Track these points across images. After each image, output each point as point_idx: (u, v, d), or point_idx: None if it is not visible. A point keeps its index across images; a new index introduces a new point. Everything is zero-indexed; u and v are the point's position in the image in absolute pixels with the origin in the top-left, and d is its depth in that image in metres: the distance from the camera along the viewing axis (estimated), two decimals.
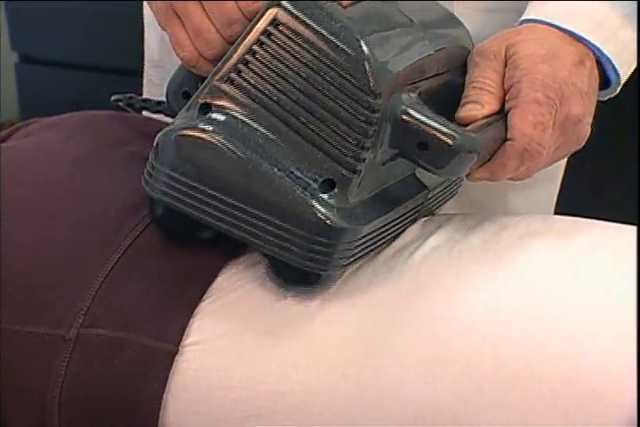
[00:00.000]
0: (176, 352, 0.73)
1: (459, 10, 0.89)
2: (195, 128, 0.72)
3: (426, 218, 0.83)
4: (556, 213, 0.88)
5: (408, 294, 0.74)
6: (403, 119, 0.71)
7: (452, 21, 0.83)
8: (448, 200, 0.87)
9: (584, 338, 0.70)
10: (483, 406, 0.69)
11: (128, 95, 0.86)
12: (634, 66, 0.84)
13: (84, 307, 0.74)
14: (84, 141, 0.87)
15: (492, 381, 0.69)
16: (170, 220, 0.76)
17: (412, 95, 0.73)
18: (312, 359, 0.72)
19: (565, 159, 1.06)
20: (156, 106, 0.85)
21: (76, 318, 0.74)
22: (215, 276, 0.76)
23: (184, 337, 0.73)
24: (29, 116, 1.04)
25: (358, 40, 0.69)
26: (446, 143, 0.71)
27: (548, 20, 0.80)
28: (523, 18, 0.82)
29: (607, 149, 1.76)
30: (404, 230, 0.80)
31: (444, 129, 0.71)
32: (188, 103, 0.74)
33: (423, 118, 0.71)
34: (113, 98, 0.87)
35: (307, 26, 0.70)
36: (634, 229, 0.79)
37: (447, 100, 0.77)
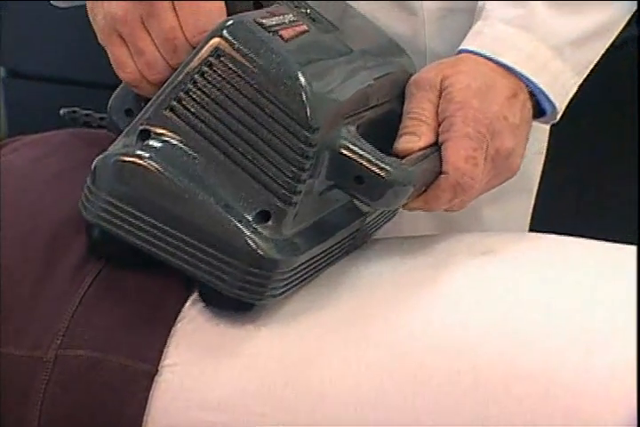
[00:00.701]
0: (155, 373, 0.73)
1: (428, 6, 0.92)
2: (133, 155, 0.72)
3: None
4: (538, 229, 0.90)
5: (371, 312, 0.75)
6: (340, 153, 0.73)
7: (395, 49, 0.84)
8: (385, 224, 0.89)
9: (559, 354, 0.70)
10: (462, 425, 0.70)
11: (72, 109, 0.86)
12: (569, 95, 0.86)
13: (61, 328, 0.74)
14: (64, 158, 0.87)
15: (471, 398, 0.70)
16: (106, 244, 0.76)
17: (351, 128, 0.74)
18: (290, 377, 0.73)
19: (539, 174, 1.09)
20: (99, 121, 0.85)
21: (54, 340, 0.74)
22: (189, 295, 0.77)
23: (162, 358, 0.73)
24: (16, 130, 1.05)
25: (297, 74, 0.70)
26: (381, 177, 0.72)
27: (482, 52, 0.83)
28: (460, 48, 0.85)
29: (592, 167, 1.79)
30: (341, 256, 0.81)
31: (380, 164, 0.73)
32: (128, 128, 0.74)
33: (360, 152, 0.73)
34: (60, 111, 0.88)
35: (247, 58, 0.70)
36: (607, 244, 0.81)
37: (387, 129, 0.79)
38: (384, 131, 0.79)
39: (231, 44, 0.70)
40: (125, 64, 0.77)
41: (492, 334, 0.72)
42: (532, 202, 1.10)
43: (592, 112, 1.65)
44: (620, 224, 1.52)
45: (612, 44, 0.92)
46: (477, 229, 1.02)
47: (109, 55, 0.78)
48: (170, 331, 0.74)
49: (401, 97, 0.81)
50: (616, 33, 0.90)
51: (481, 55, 0.83)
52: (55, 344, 0.74)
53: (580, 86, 0.89)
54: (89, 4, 0.78)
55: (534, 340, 0.71)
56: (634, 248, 0.79)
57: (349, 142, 0.73)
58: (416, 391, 0.71)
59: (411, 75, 0.82)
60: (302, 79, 0.70)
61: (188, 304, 0.76)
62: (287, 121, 0.70)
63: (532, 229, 1.10)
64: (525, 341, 0.71)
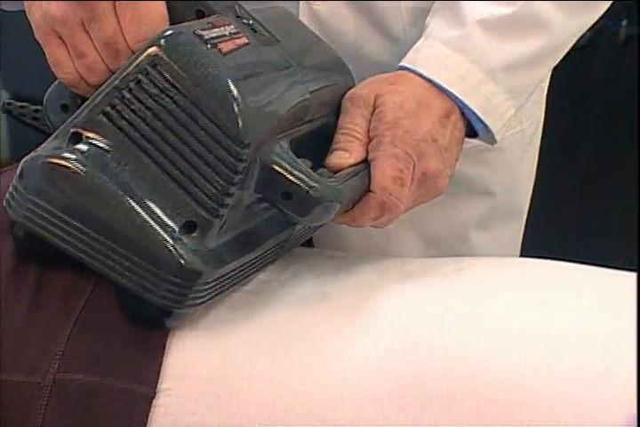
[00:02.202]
0: (154, 395, 0.73)
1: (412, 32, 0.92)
2: (61, 157, 0.72)
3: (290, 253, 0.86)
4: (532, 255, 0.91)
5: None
6: (270, 168, 0.73)
7: (338, 65, 0.84)
8: (312, 234, 0.90)
9: (560, 381, 0.71)
10: None
11: (8, 101, 0.85)
12: (505, 117, 0.87)
13: (58, 351, 0.74)
14: None
15: (473, 424, 0.70)
16: (30, 243, 0.75)
17: (284, 144, 0.74)
18: (289, 400, 0.73)
19: (528, 199, 1.10)
20: (34, 113, 0.84)
21: (51, 364, 0.73)
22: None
23: (160, 381, 0.73)
24: (20, 153, 1.06)
25: (230, 89, 0.70)
26: (309, 194, 0.73)
27: (417, 70, 0.84)
28: (400, 64, 0.86)
29: (592, 194, 1.79)
30: (266, 266, 0.81)
31: (309, 181, 0.73)
32: (59, 130, 0.73)
33: (290, 169, 0.73)
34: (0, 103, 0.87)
35: (183, 69, 0.70)
36: (598, 269, 0.82)
37: (322, 142, 0.80)
38: (319, 144, 0.80)
39: (168, 55, 0.70)
40: (64, 65, 0.76)
41: (493, 361, 0.72)
42: (522, 227, 1.11)
43: (593, 121, 1.64)
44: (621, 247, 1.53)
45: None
46: (466, 254, 1.02)
47: (46, 54, 0.77)
48: (164, 352, 0.74)
49: (337, 111, 0.82)
50: (557, 59, 0.91)
51: (415, 73, 0.84)
52: (52, 369, 0.73)
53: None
54: (26, 2, 0.77)
55: (536, 368, 0.71)
56: (616, 272, 0.80)
57: (280, 158, 0.73)
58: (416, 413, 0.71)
59: (349, 89, 0.83)
60: (236, 94, 0.70)
61: (183, 322, 0.76)
62: (219, 135, 0.70)
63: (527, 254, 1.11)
64: (528, 368, 0.72)
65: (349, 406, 0.72)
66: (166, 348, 0.74)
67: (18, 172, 0.73)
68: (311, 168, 0.79)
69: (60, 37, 0.76)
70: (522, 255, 1.11)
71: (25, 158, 0.73)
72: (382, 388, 0.72)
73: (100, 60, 0.75)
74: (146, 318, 0.75)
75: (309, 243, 0.96)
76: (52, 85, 0.80)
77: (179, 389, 0.73)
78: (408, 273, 0.81)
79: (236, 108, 0.70)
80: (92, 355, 0.74)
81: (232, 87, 0.70)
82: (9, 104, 0.86)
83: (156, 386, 0.73)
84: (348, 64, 0.86)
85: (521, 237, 1.12)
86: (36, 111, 0.85)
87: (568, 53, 0.92)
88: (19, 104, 0.85)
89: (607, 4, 0.91)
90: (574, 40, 0.91)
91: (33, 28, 0.77)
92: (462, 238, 1.03)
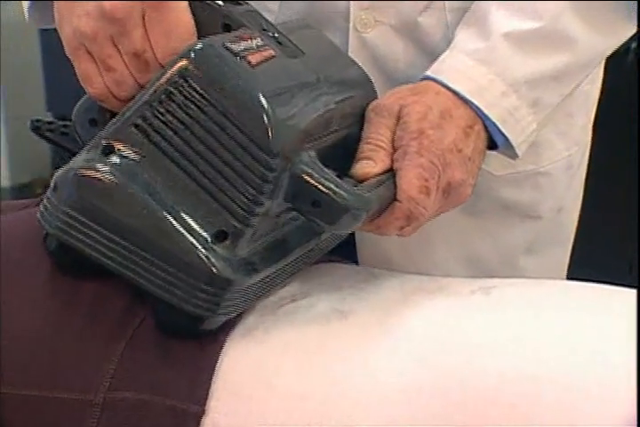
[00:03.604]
0: (202, 413, 0.73)
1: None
2: (94, 169, 0.73)
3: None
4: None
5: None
6: (299, 178, 0.74)
7: (361, 77, 0.85)
8: (339, 242, 0.90)
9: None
10: None
11: (36, 118, 0.86)
12: (527, 131, 0.87)
13: (109, 370, 0.74)
14: None
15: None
16: (63, 255, 0.76)
17: (311, 153, 0.75)
18: (338, 415, 0.73)
19: (575, 224, 1.09)
20: (62, 128, 0.85)
21: (103, 382, 0.74)
22: (226, 335, 0.77)
23: (209, 398, 0.74)
24: None
25: (260, 100, 0.71)
26: (338, 202, 0.74)
27: (439, 79, 0.84)
28: (424, 74, 0.86)
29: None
30: (293, 273, 0.82)
31: (337, 189, 0.74)
32: (91, 143, 0.75)
33: (318, 178, 0.74)
34: (29, 121, 0.88)
35: (213, 82, 0.71)
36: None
37: (347, 152, 0.81)
38: (343, 154, 0.81)
39: (198, 67, 0.71)
40: (93, 79, 0.77)
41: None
42: (569, 251, 1.11)
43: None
44: None
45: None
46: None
47: (76, 68, 0.78)
48: (213, 370, 0.74)
49: (361, 121, 0.83)
50: (583, 78, 0.91)
51: (439, 83, 0.84)
52: (104, 387, 0.74)
53: None
54: (56, 15, 0.79)
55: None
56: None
57: (309, 167, 0.74)
58: None
59: (372, 100, 0.84)
60: (265, 105, 0.71)
61: (227, 343, 0.76)
62: (249, 145, 0.71)
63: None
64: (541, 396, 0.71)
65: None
66: (216, 366, 0.75)
67: (51, 184, 0.75)
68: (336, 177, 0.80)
69: (89, 52, 0.77)
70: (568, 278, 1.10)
71: (58, 171, 0.74)
72: (412, 404, 0.72)
73: (129, 74, 0.77)
74: (178, 326, 0.75)
75: (354, 261, 0.96)
76: (81, 100, 0.81)
77: (227, 406, 0.74)
78: (434, 290, 0.81)
79: (265, 119, 0.71)
80: (142, 373, 0.74)
81: (262, 98, 0.71)
82: (37, 121, 0.86)
83: (205, 404, 0.73)
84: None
85: (567, 260, 1.12)
86: (65, 126, 0.85)
87: None
88: (47, 120, 0.85)
89: (635, 27, 0.90)
90: (601, 60, 0.92)
91: (63, 43, 0.78)
92: (509, 263, 1.03)
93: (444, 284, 0.83)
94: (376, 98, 0.85)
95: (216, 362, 0.75)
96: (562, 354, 0.72)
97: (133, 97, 0.75)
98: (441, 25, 0.92)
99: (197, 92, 0.71)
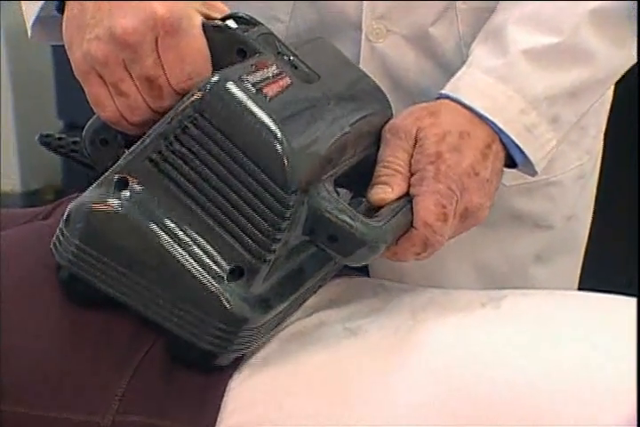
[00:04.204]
0: None
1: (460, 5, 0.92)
2: (107, 203, 0.72)
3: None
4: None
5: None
6: (316, 212, 0.73)
7: (374, 91, 0.84)
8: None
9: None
10: None
11: (46, 133, 0.84)
12: (546, 149, 0.86)
13: (118, 393, 0.74)
14: None
15: None
16: (75, 285, 0.75)
17: (328, 186, 0.74)
18: None
19: (587, 233, 1.09)
20: (72, 145, 0.83)
21: (111, 404, 0.74)
22: (239, 361, 0.76)
23: (218, 421, 0.73)
24: (72, 181, 1.05)
25: (278, 137, 0.70)
26: (355, 237, 0.73)
27: (457, 97, 0.83)
28: (441, 91, 0.85)
29: None
30: (306, 300, 0.81)
31: (354, 223, 0.74)
32: (104, 176, 0.73)
33: (335, 213, 0.73)
34: (36, 137, 0.86)
35: (230, 117, 0.70)
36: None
37: (363, 172, 0.80)
38: (359, 174, 0.80)
39: (214, 101, 0.70)
40: (105, 104, 0.75)
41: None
42: (580, 260, 1.10)
43: None
44: None
45: None
46: (524, 288, 1.02)
47: (87, 93, 0.76)
48: (223, 395, 0.74)
49: (377, 141, 0.82)
50: (601, 94, 0.90)
51: (456, 101, 0.83)
52: (112, 409, 0.74)
53: None
54: (65, 38, 0.77)
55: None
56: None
57: (326, 201, 0.74)
58: None
59: (389, 119, 0.83)
60: (284, 142, 0.70)
61: (240, 367, 0.76)
62: (266, 181, 0.70)
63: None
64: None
65: None
66: (225, 394, 0.74)
67: (64, 216, 0.74)
68: (352, 198, 0.80)
69: (101, 76, 0.75)
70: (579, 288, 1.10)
71: (72, 204, 0.73)
72: (424, 420, 0.72)
73: (142, 99, 0.75)
74: (191, 361, 0.75)
75: (365, 273, 0.96)
76: (91, 120, 0.79)
77: None
78: (444, 304, 0.81)
79: (283, 157, 0.70)
80: (151, 397, 0.74)
81: (279, 135, 0.70)
82: (46, 136, 0.84)
83: None
84: (409, 100, 0.86)
85: (579, 270, 1.11)
86: (75, 143, 0.83)
87: None
88: (57, 136, 0.84)
89: None
90: (618, 75, 0.90)
91: (72, 66, 0.76)
92: (521, 272, 1.02)
93: (454, 297, 0.82)
94: (391, 112, 0.84)
95: (226, 385, 0.75)
96: (573, 367, 0.72)
97: (146, 121, 0.74)
98: (453, 35, 0.91)
99: (214, 126, 0.70)
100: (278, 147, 0.70)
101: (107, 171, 0.74)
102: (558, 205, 1.02)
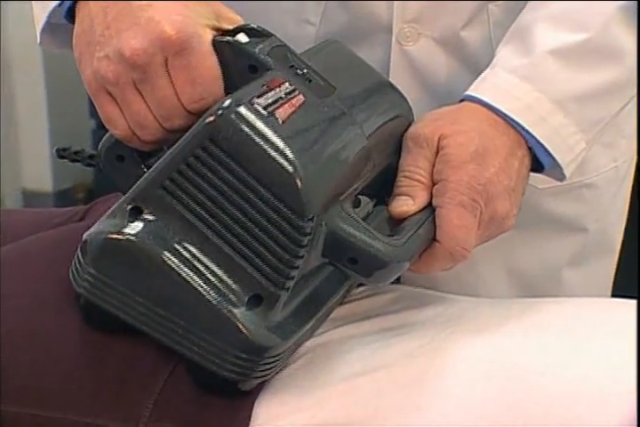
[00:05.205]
0: None
1: (492, 7, 0.91)
2: (121, 233, 0.70)
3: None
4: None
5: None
6: (334, 234, 0.72)
7: (391, 94, 0.82)
8: None
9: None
10: None
11: (63, 147, 0.83)
12: (575, 151, 0.84)
13: (151, 400, 0.74)
14: None
15: None
16: (92, 313, 0.75)
17: (346, 207, 0.73)
18: None
19: (621, 235, 1.08)
20: (88, 159, 0.82)
21: (143, 412, 0.73)
22: None
23: None
24: (102, 180, 1.04)
25: (293, 163, 0.68)
26: (377, 258, 0.72)
27: (482, 98, 0.81)
28: (465, 93, 0.83)
29: None
30: (324, 320, 0.80)
31: (375, 244, 0.72)
32: (117, 205, 0.72)
33: (355, 234, 0.72)
34: (54, 150, 0.86)
35: (242, 143, 0.68)
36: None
37: (384, 180, 0.79)
38: (380, 181, 0.78)
39: (226, 128, 0.68)
40: (116, 122, 0.75)
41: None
42: (614, 264, 1.09)
43: None
44: None
45: None
46: (558, 292, 1.01)
47: (98, 110, 0.76)
48: (254, 403, 0.74)
49: (398, 149, 0.80)
50: (630, 94, 0.87)
51: (481, 103, 0.81)
52: (144, 417, 0.73)
53: None
54: (76, 53, 0.76)
55: None
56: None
57: (345, 223, 0.72)
58: None
59: (409, 122, 0.81)
60: (298, 169, 0.68)
61: (269, 380, 0.75)
62: (282, 209, 0.68)
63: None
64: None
65: None
66: (256, 402, 0.74)
67: (80, 245, 0.73)
68: (375, 205, 0.78)
69: (111, 94, 0.74)
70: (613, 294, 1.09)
71: (88, 232, 0.73)
72: None
73: (153, 118, 0.73)
74: (215, 387, 0.74)
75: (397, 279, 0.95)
76: (105, 136, 0.78)
77: None
78: (481, 315, 0.80)
79: (298, 184, 0.68)
80: (184, 405, 0.74)
81: (293, 160, 0.68)
82: (63, 150, 0.84)
83: None
84: (439, 104, 0.85)
85: (613, 274, 1.10)
86: (91, 157, 0.82)
87: None
88: (73, 150, 0.83)
89: None
90: None
91: (84, 82, 0.75)
92: (554, 276, 1.01)
93: (488, 306, 0.81)
94: (412, 115, 0.82)
95: (255, 399, 0.74)
96: (608, 374, 0.72)
97: (158, 139, 0.74)
98: (484, 38, 0.90)
99: (225, 153, 0.68)
100: (293, 173, 0.68)
101: (125, 186, 0.73)
102: (592, 208, 1.01)
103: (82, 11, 0.76)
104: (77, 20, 0.76)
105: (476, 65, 0.90)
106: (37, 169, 2.63)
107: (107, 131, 0.79)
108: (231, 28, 0.75)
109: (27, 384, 0.75)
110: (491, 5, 0.90)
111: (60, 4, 0.79)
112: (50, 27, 0.84)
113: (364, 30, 0.90)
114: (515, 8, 0.88)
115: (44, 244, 0.86)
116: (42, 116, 2.61)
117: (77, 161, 0.83)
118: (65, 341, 0.77)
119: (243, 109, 0.68)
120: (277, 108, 0.70)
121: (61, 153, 0.84)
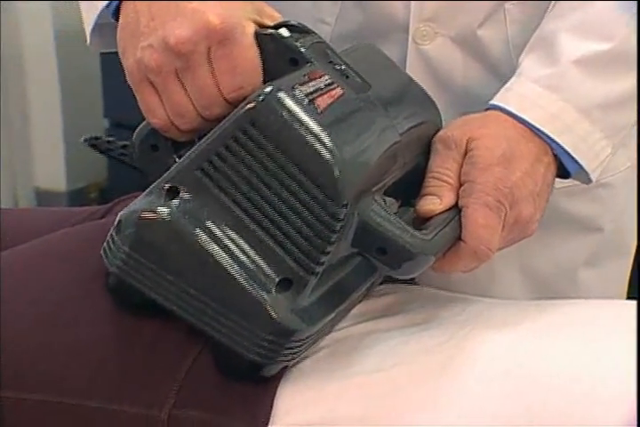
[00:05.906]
0: None
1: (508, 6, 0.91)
2: (157, 212, 0.71)
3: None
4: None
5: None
6: (365, 224, 0.73)
7: (422, 98, 0.83)
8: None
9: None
10: None
11: (94, 136, 0.86)
12: (600, 157, 0.85)
13: (175, 387, 0.75)
14: None
15: None
16: (123, 293, 0.76)
17: (378, 198, 0.74)
18: None
19: (636, 236, 1.07)
20: (121, 149, 0.83)
21: (168, 399, 0.74)
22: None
23: (270, 422, 0.74)
24: (116, 179, 1.05)
25: (331, 150, 0.69)
26: (406, 250, 0.73)
27: (507, 108, 0.82)
28: (491, 102, 0.84)
29: None
30: (349, 311, 0.81)
31: (404, 236, 0.73)
32: (154, 184, 0.73)
33: (385, 225, 0.73)
34: (82, 138, 0.85)
35: (281, 128, 0.69)
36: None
37: (411, 181, 0.79)
38: (408, 182, 0.79)
39: (266, 113, 0.69)
40: (156, 112, 0.76)
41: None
42: (630, 265, 1.09)
43: None
44: None
45: None
46: (573, 293, 1.01)
47: (138, 99, 0.77)
48: (275, 395, 0.74)
49: (427, 150, 0.81)
50: None
51: (506, 112, 0.82)
52: (169, 404, 0.74)
53: None
54: (119, 45, 0.77)
55: None
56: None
57: (376, 214, 0.73)
58: None
59: (438, 128, 0.82)
60: (336, 155, 0.69)
61: (290, 370, 0.76)
62: (317, 194, 0.69)
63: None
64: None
65: None
66: (277, 392, 0.74)
67: (115, 223, 0.74)
68: (400, 206, 0.79)
69: (152, 84, 0.75)
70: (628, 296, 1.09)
71: (123, 211, 0.74)
72: None
73: (193, 107, 0.75)
74: (237, 371, 0.74)
75: (412, 279, 0.95)
76: (141, 125, 0.79)
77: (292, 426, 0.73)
78: (498, 315, 0.80)
79: (335, 169, 0.69)
80: (208, 392, 0.74)
81: (331, 146, 0.69)
82: (95, 139, 0.84)
83: (267, 425, 0.73)
84: (456, 103, 0.85)
85: (628, 273, 1.10)
86: (124, 147, 0.83)
87: None
88: (105, 139, 0.84)
89: None
90: None
91: (126, 72, 0.76)
92: (570, 277, 1.01)
93: (505, 307, 0.82)
94: (440, 121, 0.83)
95: (276, 388, 0.75)
96: (624, 376, 0.72)
97: (195, 129, 0.74)
98: (501, 38, 0.90)
99: (265, 137, 0.70)
100: (330, 158, 0.69)
101: (157, 176, 0.74)
102: (608, 208, 1.01)
103: (127, 8, 0.77)
104: (122, 15, 0.77)
105: (492, 64, 0.90)
106: (51, 168, 2.63)
107: (120, 130, 0.79)
108: (272, 24, 0.76)
109: (52, 372, 0.76)
110: (507, 4, 0.90)
111: (107, 5, 0.80)
112: (98, 27, 0.86)
113: (379, 30, 0.90)
114: (531, 7, 0.89)
115: (71, 238, 0.87)
116: (56, 115, 2.61)
117: (109, 150, 0.83)
118: (92, 329, 0.78)
119: (284, 94, 0.70)
120: (317, 97, 0.71)
121: (92, 142, 0.84)
